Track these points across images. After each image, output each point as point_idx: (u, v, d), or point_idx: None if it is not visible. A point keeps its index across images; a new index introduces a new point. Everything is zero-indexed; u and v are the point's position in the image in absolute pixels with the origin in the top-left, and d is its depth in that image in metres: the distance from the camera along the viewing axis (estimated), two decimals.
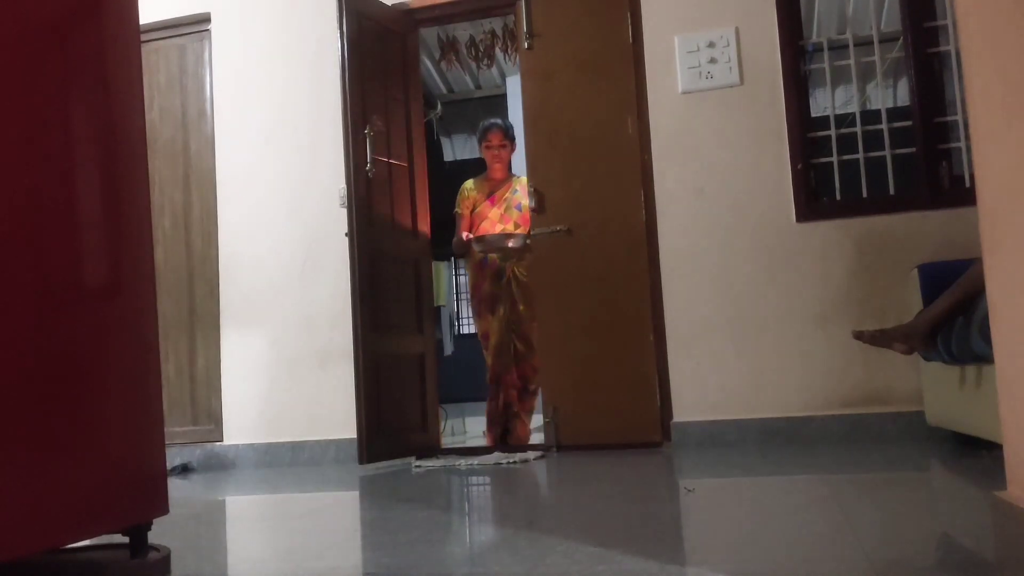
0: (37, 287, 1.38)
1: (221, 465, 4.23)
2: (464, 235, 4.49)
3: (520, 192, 4.47)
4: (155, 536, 1.63)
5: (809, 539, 1.72)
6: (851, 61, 3.79)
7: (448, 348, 6.33)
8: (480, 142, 4.69)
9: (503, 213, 4.50)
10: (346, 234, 3.90)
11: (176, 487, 3.44)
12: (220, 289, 4.34)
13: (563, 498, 2.65)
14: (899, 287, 3.47)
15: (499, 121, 4.74)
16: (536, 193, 3.95)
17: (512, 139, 4.65)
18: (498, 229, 4.45)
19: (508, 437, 4.41)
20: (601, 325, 3.84)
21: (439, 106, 7.55)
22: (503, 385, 4.40)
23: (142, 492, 1.58)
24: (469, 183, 4.63)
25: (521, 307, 4.36)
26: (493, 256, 4.41)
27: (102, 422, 1.50)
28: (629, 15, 3.93)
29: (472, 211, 4.55)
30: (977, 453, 2.84)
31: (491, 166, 4.61)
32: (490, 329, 4.39)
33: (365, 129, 3.90)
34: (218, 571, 1.83)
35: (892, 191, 3.65)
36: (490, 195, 4.56)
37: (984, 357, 2.43)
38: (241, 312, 4.29)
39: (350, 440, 3.88)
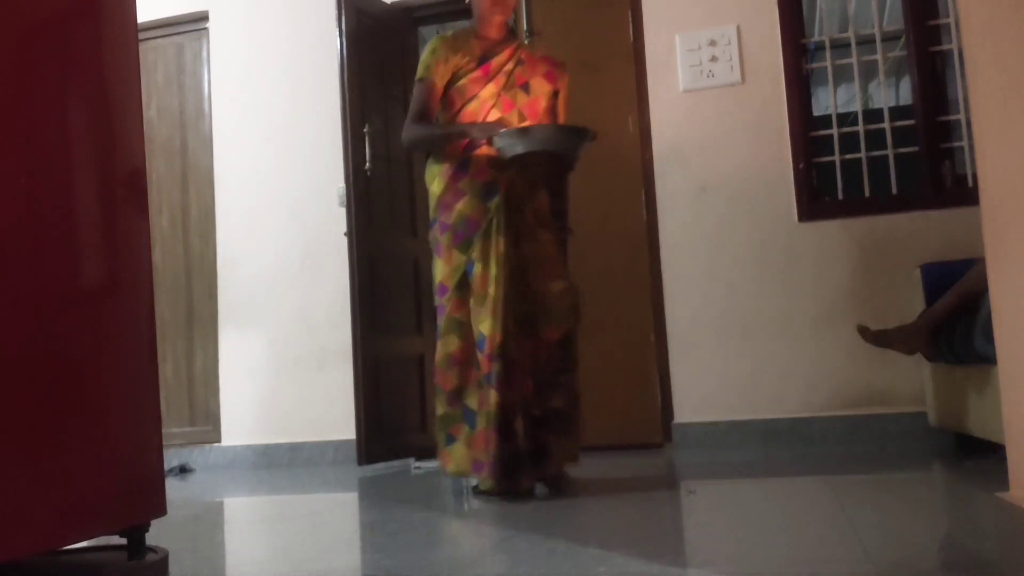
0: (34, 287, 1.37)
1: (219, 466, 4.22)
2: (483, 122, 2.70)
3: (526, 65, 2.81)
4: (153, 537, 1.62)
5: (811, 540, 1.71)
6: (853, 59, 3.77)
7: None
8: None
9: (502, 93, 2.75)
10: (345, 233, 3.89)
11: (174, 488, 3.43)
12: (218, 289, 4.33)
13: (563, 499, 2.64)
14: (902, 287, 3.45)
15: None
16: None
17: None
18: (492, 118, 2.73)
19: (535, 469, 2.61)
20: (601, 325, 3.82)
21: None
22: (505, 372, 2.52)
23: (140, 493, 1.57)
24: (446, 35, 2.84)
25: (525, 246, 2.65)
26: (482, 156, 2.68)
27: (100, 423, 1.48)
28: (630, 13, 3.91)
29: (451, 82, 2.76)
30: (979, 454, 2.83)
31: (486, 18, 2.80)
32: (451, 274, 2.67)
33: (364, 127, 3.88)
34: (216, 573, 1.82)
35: (895, 190, 3.64)
36: (483, 61, 2.77)
37: (987, 358, 2.42)
38: (239, 312, 4.28)
39: (349, 441, 3.87)
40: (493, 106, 2.75)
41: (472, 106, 2.75)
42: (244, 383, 4.24)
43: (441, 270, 2.71)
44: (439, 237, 2.71)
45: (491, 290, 2.56)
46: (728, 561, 1.53)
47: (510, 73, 2.79)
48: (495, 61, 2.78)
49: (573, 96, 3.74)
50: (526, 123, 2.74)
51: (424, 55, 2.79)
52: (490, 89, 2.76)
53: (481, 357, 2.57)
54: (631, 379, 3.76)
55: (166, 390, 4.21)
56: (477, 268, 2.61)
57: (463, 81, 2.75)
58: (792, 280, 3.64)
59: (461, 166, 2.70)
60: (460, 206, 2.66)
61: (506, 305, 2.55)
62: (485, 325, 2.56)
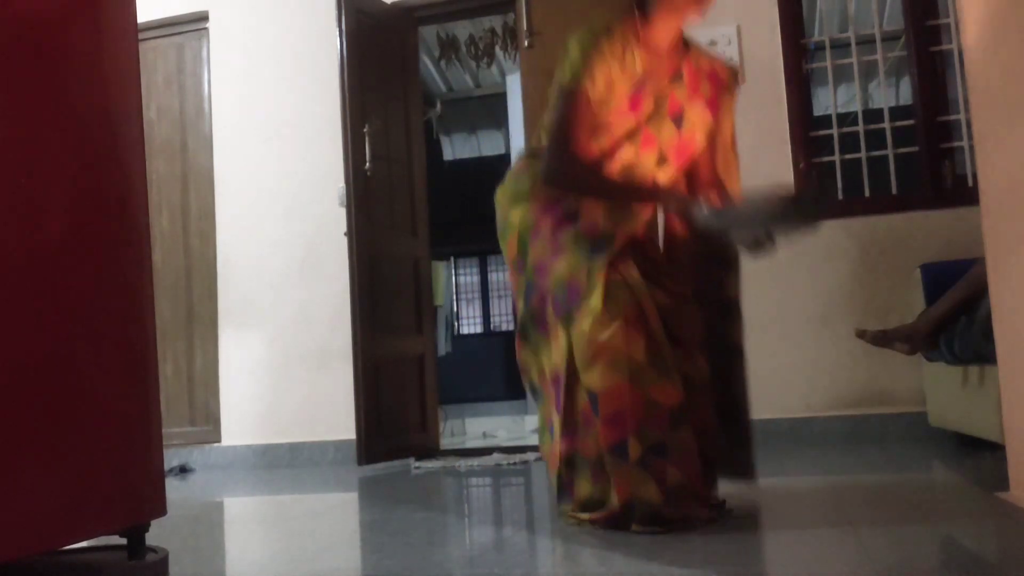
0: (33, 287, 1.37)
1: (219, 466, 4.22)
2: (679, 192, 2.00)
3: (686, 85, 1.99)
4: (153, 537, 1.62)
5: (811, 540, 1.70)
6: (853, 60, 3.77)
7: (443, 348, 6.32)
8: None
9: (644, 125, 1.94)
10: (345, 234, 3.89)
11: (174, 488, 3.43)
12: (218, 289, 4.33)
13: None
14: (902, 287, 3.45)
15: None
16: None
17: None
18: (625, 158, 1.96)
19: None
20: None
21: (439, 105, 7.54)
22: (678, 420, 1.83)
23: (140, 493, 1.57)
24: (609, 29, 1.92)
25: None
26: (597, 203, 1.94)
27: (99, 423, 1.48)
28: None
29: (601, 95, 1.89)
30: (979, 454, 2.83)
31: (675, 14, 1.95)
32: (563, 357, 1.90)
33: (364, 128, 3.88)
34: (216, 573, 1.82)
35: (895, 190, 3.64)
36: (639, 88, 1.93)
37: (987, 357, 2.42)
38: (239, 312, 4.28)
39: (349, 441, 3.87)
40: (627, 141, 1.94)
41: (598, 139, 1.94)
42: (244, 383, 4.24)
43: (550, 353, 1.94)
44: (535, 305, 1.98)
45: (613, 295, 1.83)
46: (729, 562, 1.53)
47: (663, 97, 1.96)
48: (650, 87, 1.93)
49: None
50: (665, 170, 1.98)
51: (581, 46, 1.88)
52: (629, 123, 1.93)
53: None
54: None
55: (166, 390, 4.21)
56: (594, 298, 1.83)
57: (615, 100, 1.92)
58: (792, 280, 3.63)
59: (568, 211, 1.94)
60: (560, 267, 1.90)
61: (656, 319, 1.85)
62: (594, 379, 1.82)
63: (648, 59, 1.94)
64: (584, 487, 1.89)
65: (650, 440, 1.77)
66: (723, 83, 2.07)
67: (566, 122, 1.89)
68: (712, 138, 2.06)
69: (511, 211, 2.04)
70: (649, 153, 1.95)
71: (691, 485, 1.81)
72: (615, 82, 1.89)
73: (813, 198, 1.85)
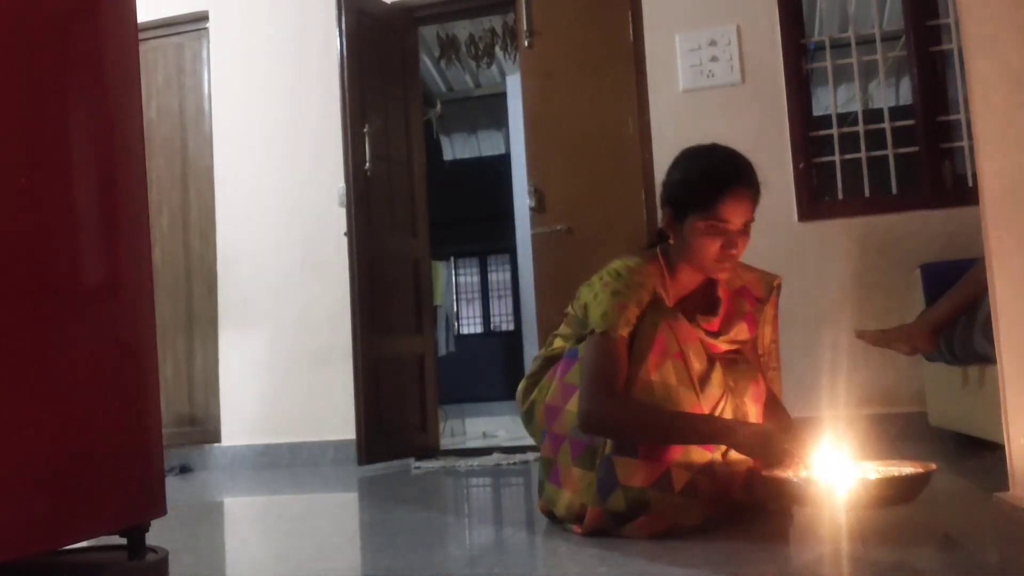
0: (33, 287, 1.37)
1: (219, 466, 4.22)
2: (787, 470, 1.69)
3: (723, 309, 2.00)
4: (153, 537, 1.62)
5: (811, 540, 1.70)
6: (853, 59, 3.77)
7: (444, 348, 6.32)
8: (693, 206, 1.85)
9: (664, 321, 1.84)
10: (345, 234, 3.89)
11: (174, 488, 3.43)
12: (218, 289, 4.33)
13: None
14: (901, 287, 3.45)
15: (738, 161, 1.88)
16: (536, 192, 3.94)
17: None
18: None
19: None
20: None
21: (439, 105, 7.54)
22: None
23: (140, 493, 1.57)
24: (642, 269, 1.90)
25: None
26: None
27: (99, 422, 1.48)
28: (630, 13, 3.92)
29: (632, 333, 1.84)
30: (979, 454, 2.83)
31: (700, 266, 1.91)
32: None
33: (364, 128, 3.88)
34: (216, 573, 1.82)
35: (894, 190, 3.64)
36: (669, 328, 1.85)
37: (987, 357, 2.42)
38: (239, 312, 4.28)
39: (349, 441, 3.87)
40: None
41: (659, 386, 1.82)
42: (244, 383, 4.24)
43: (564, 498, 1.88)
44: (545, 455, 2.00)
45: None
46: (729, 562, 1.53)
47: (696, 318, 1.94)
48: (683, 331, 1.86)
49: (574, 96, 3.57)
50: (712, 399, 1.82)
51: (610, 291, 1.85)
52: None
53: None
54: None
55: (166, 390, 4.21)
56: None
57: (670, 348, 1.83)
58: (792, 280, 3.61)
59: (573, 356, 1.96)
60: (573, 406, 1.88)
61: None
62: None
63: (680, 299, 1.97)
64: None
65: (697, 464, 1.73)
66: (758, 298, 2.05)
67: (602, 366, 1.80)
68: (746, 345, 2.04)
69: (526, 398, 2.06)
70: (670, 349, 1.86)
71: (727, 493, 1.80)
72: (638, 316, 1.85)
73: (917, 479, 1.66)
